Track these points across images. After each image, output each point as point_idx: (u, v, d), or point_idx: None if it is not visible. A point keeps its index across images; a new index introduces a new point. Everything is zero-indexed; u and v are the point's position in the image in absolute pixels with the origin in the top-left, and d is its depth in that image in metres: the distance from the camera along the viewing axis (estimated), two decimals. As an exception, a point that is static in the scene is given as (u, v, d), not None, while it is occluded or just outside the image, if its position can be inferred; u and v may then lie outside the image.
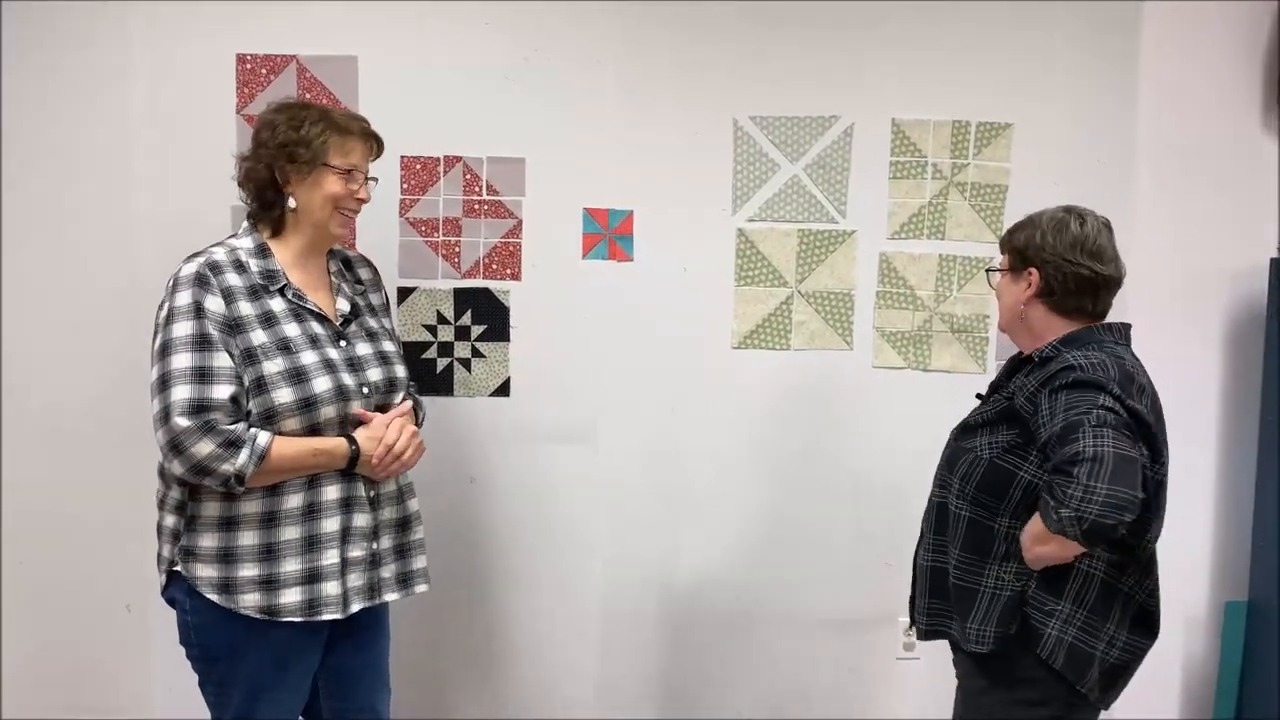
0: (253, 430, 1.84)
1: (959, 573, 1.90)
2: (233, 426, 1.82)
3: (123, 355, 2.42)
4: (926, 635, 2.02)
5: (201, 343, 1.83)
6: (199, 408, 1.80)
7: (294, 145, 1.94)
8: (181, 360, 1.82)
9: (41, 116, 2.48)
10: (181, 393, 1.80)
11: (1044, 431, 1.75)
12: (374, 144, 2.06)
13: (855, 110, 2.62)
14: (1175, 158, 2.68)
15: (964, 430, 1.97)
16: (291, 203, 1.97)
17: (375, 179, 2.09)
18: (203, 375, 1.81)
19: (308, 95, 2.49)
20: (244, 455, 1.81)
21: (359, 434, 1.95)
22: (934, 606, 1.98)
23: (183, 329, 1.83)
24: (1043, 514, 1.72)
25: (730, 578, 2.71)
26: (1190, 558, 2.79)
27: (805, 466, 2.69)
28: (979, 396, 2.07)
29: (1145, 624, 1.88)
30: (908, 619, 2.11)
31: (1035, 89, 2.62)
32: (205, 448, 1.79)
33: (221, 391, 1.82)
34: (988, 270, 2.02)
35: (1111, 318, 1.97)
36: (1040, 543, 1.77)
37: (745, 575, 2.71)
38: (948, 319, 2.67)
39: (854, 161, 2.63)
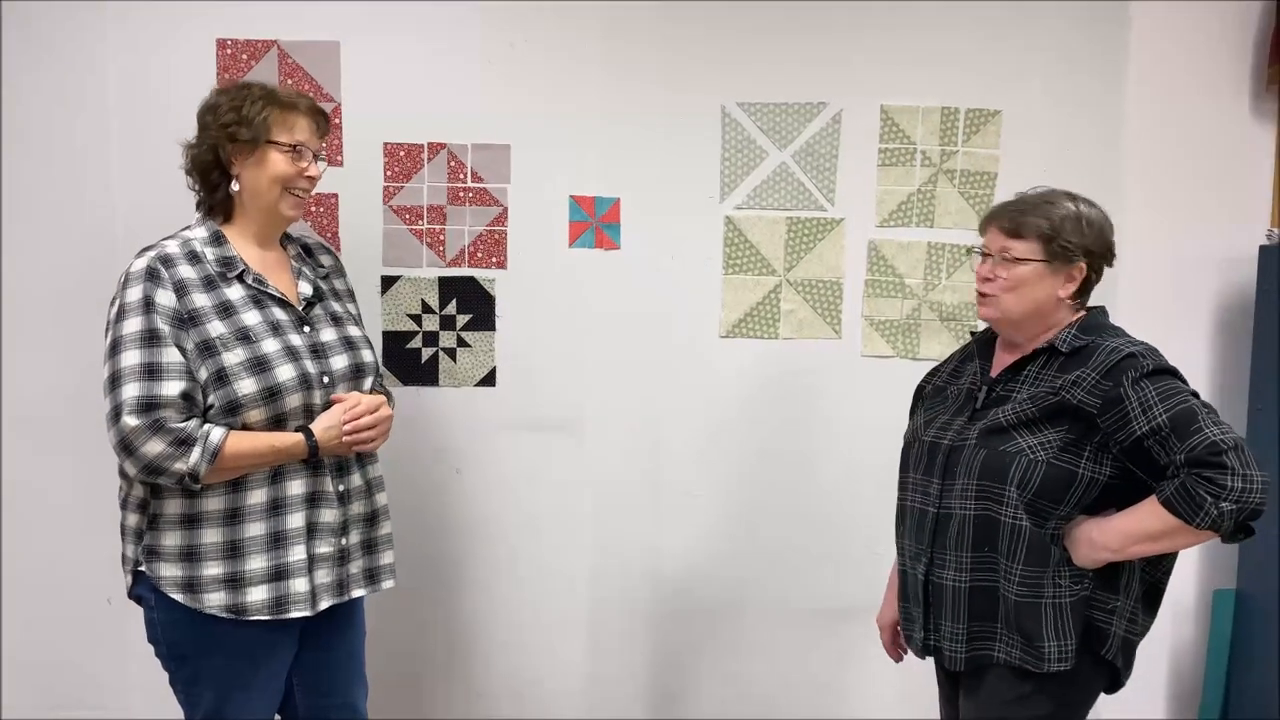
0: (206, 427, 1.79)
1: (1024, 590, 1.77)
2: (183, 424, 1.77)
3: (99, 348, 2.39)
4: (967, 664, 1.85)
5: (150, 339, 1.79)
6: (148, 406, 1.76)
7: (236, 125, 1.89)
8: (130, 358, 1.78)
9: (15, 102, 2.44)
10: (130, 391, 1.76)
11: (1138, 424, 1.69)
12: (320, 121, 1.99)
13: (844, 97, 2.60)
14: (1164, 146, 2.68)
15: (992, 433, 1.82)
16: (234, 185, 1.92)
17: (324, 160, 2.02)
18: (152, 372, 1.77)
19: (289, 81, 2.46)
20: (196, 453, 1.77)
21: (316, 424, 1.90)
22: (975, 630, 1.83)
23: (132, 325, 1.79)
24: (1187, 509, 1.64)
25: (717, 567, 2.70)
26: (1178, 546, 2.79)
27: (794, 456, 2.67)
28: (972, 394, 1.91)
29: (1155, 602, 1.87)
30: (915, 644, 1.94)
31: (1024, 76, 2.61)
32: (155, 447, 1.76)
33: (171, 388, 1.77)
34: (1016, 258, 1.83)
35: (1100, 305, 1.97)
36: (1149, 539, 1.71)
37: (733, 565, 2.70)
38: (936, 307, 2.65)
39: (842, 149, 2.61)
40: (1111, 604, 1.78)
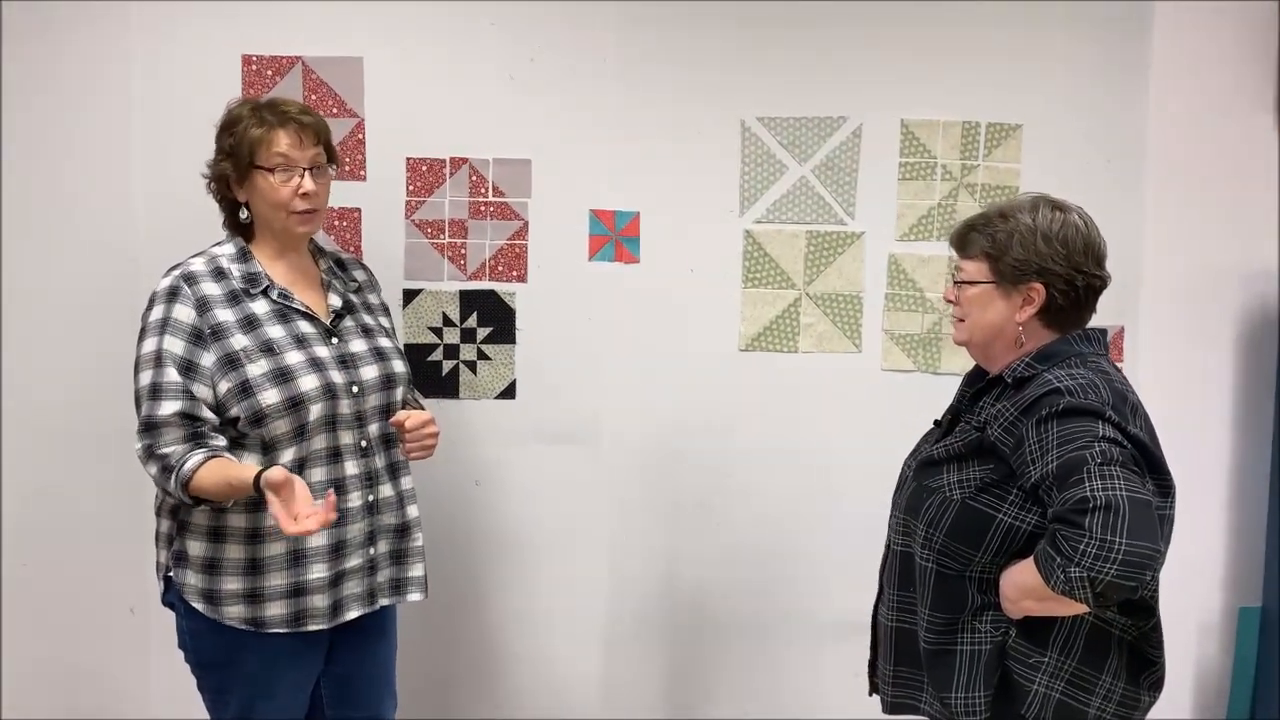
0: (192, 455, 1.77)
1: (932, 636, 1.64)
2: (169, 450, 1.79)
3: (121, 355, 2.40)
4: (893, 709, 1.76)
5: (158, 360, 1.82)
6: (146, 427, 1.81)
7: (229, 151, 1.91)
8: (144, 378, 1.83)
9: (40, 117, 2.47)
10: (142, 411, 1.82)
11: (1034, 470, 1.51)
12: (305, 131, 1.90)
13: (864, 111, 2.59)
14: (1186, 159, 2.65)
15: (926, 465, 1.70)
16: (244, 212, 1.95)
17: (334, 164, 2.00)
18: (154, 393, 1.81)
19: (313, 97, 2.48)
20: (172, 482, 1.78)
21: (270, 473, 1.70)
22: (900, 675, 1.73)
23: (148, 346, 1.84)
24: (1044, 569, 1.47)
25: (736, 581, 2.69)
26: (1203, 563, 2.76)
27: (813, 470, 2.66)
28: (936, 423, 1.83)
29: (1146, 672, 1.64)
30: (868, 685, 1.88)
31: (1045, 89, 2.59)
32: (151, 469, 1.81)
33: (166, 408, 1.80)
34: (957, 282, 1.70)
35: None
36: (1034, 598, 1.53)
37: (751, 579, 2.69)
38: (957, 321, 2.64)
39: (863, 163, 2.61)
40: (1034, 658, 1.59)
